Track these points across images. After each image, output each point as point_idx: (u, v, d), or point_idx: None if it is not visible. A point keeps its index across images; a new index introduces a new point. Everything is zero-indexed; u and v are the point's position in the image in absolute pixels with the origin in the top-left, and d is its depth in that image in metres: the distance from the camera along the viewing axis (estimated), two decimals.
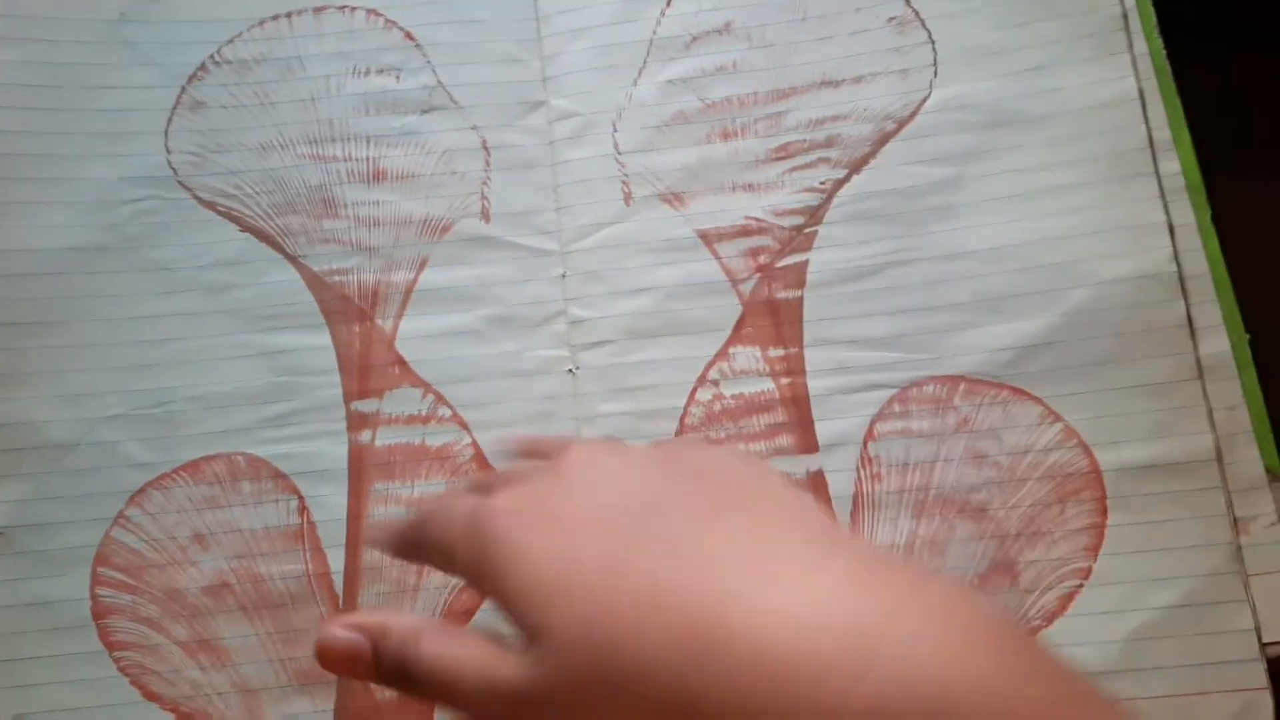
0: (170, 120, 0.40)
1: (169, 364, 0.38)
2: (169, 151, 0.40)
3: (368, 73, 0.40)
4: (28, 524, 0.37)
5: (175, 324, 0.38)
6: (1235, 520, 0.34)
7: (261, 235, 0.39)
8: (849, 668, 0.16)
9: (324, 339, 0.38)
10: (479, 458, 0.37)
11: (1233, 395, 0.35)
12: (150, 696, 0.35)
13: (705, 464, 0.21)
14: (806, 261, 0.38)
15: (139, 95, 0.40)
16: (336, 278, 0.39)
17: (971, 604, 0.17)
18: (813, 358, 0.37)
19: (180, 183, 0.40)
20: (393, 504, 0.37)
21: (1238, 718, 0.33)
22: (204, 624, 0.36)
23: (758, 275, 0.38)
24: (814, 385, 0.37)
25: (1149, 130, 0.37)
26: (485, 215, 0.39)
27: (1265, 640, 0.33)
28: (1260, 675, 0.33)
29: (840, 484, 0.36)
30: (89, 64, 0.40)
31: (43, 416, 0.37)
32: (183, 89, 0.40)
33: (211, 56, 0.41)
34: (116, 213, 0.39)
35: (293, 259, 0.39)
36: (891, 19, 0.39)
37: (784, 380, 0.37)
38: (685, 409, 0.37)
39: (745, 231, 0.38)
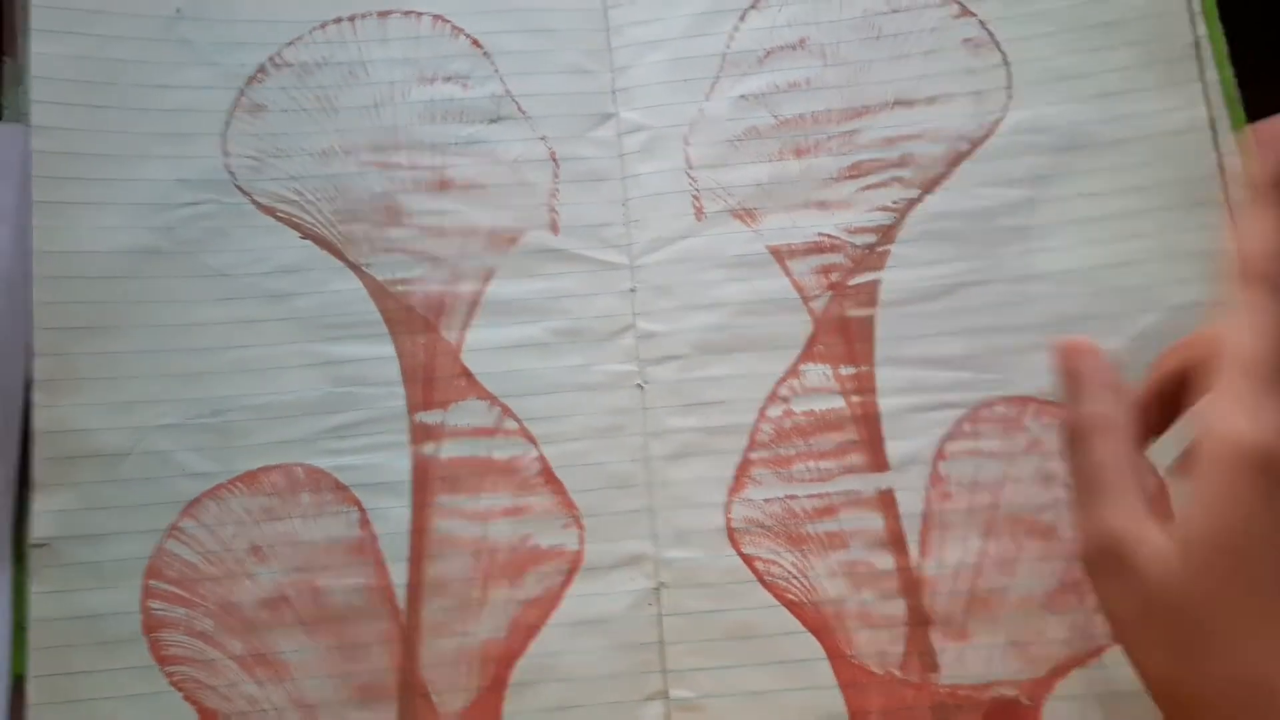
0: (228, 123, 0.39)
1: (226, 372, 0.37)
2: (227, 154, 0.39)
3: (434, 80, 0.40)
4: (76, 535, 0.36)
5: (233, 331, 0.38)
6: None
7: (322, 243, 0.39)
8: None
9: (387, 349, 0.38)
10: (545, 471, 0.37)
11: None
12: (205, 713, 0.35)
13: None
14: (879, 280, 0.38)
15: (196, 96, 0.39)
16: (400, 287, 0.38)
17: None
18: (884, 376, 0.37)
19: (238, 187, 0.39)
20: (457, 517, 0.36)
21: None
22: (261, 638, 0.35)
23: (829, 293, 0.38)
24: (885, 404, 0.37)
25: (1220, 158, 0.37)
26: (554, 227, 0.39)
27: None
28: None
29: (909, 502, 0.36)
30: (144, 61, 0.39)
31: (93, 424, 0.36)
32: (241, 91, 0.39)
33: (271, 59, 0.40)
34: (173, 215, 0.38)
35: (355, 267, 0.38)
36: (967, 40, 0.39)
37: (855, 398, 0.37)
38: (755, 425, 0.37)
39: (817, 249, 0.38)
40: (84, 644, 0.35)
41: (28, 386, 0.37)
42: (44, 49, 0.39)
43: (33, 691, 0.35)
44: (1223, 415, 0.22)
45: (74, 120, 0.38)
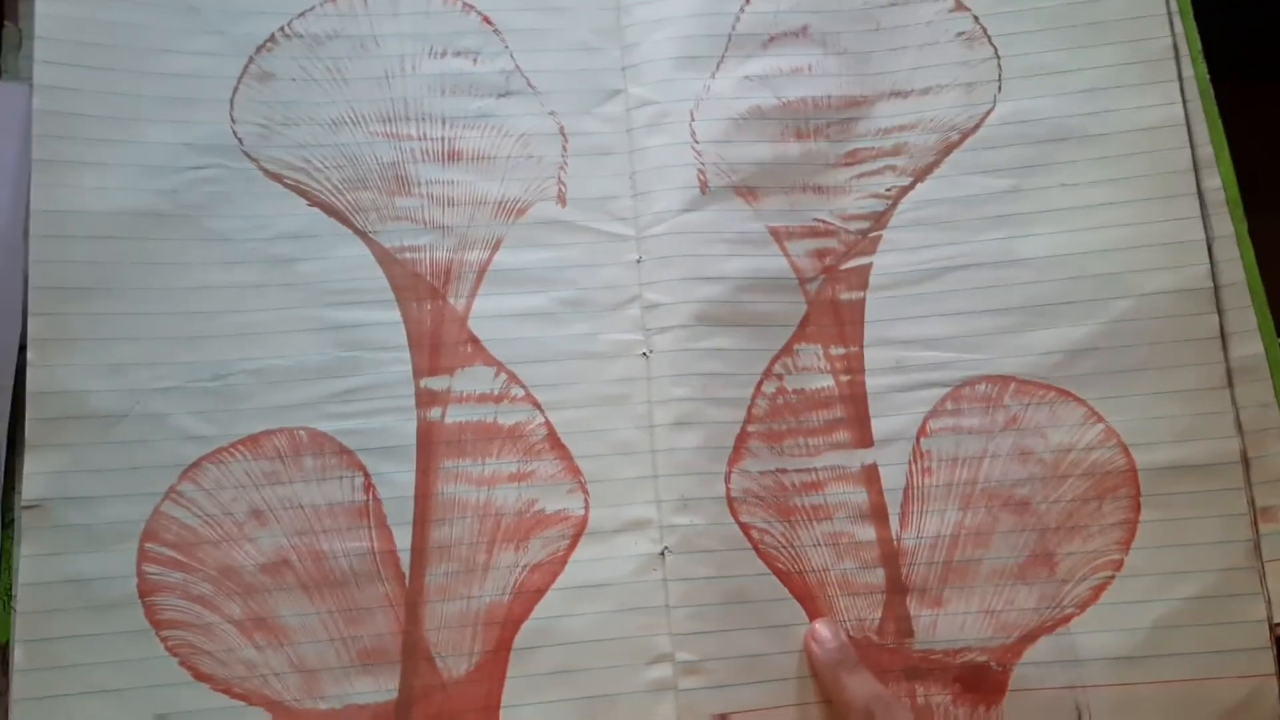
0: (236, 90, 0.39)
1: (227, 336, 0.37)
2: (234, 121, 0.39)
3: (444, 54, 0.40)
4: (69, 496, 0.35)
5: (234, 296, 0.37)
6: (1259, 512, 0.37)
7: (330, 210, 0.39)
8: None
9: (393, 315, 0.38)
10: (551, 437, 0.37)
11: (1265, 394, 0.38)
12: (200, 677, 0.34)
13: None
14: (870, 265, 0.39)
15: (202, 62, 0.39)
16: (408, 254, 0.39)
17: None
18: (871, 357, 0.38)
19: (245, 153, 0.39)
20: (462, 482, 0.37)
21: (1246, 701, 0.35)
22: (261, 602, 0.35)
23: (823, 276, 0.39)
24: (871, 383, 0.38)
25: (1193, 152, 0.40)
26: (561, 199, 0.40)
27: (1277, 620, 0.36)
28: (1269, 662, 0.36)
29: (892, 477, 0.38)
30: (149, 26, 0.39)
31: (88, 386, 0.36)
32: (250, 59, 0.40)
33: (281, 29, 0.40)
34: (177, 179, 0.38)
35: (362, 234, 0.39)
36: (960, 34, 0.41)
37: (844, 378, 0.38)
38: (752, 400, 0.38)
39: (814, 232, 0.40)
40: (74, 608, 0.34)
41: (24, 348, 0.36)
42: (49, 9, 0.38)
43: (19, 657, 0.34)
44: None
45: (76, 81, 0.38)
